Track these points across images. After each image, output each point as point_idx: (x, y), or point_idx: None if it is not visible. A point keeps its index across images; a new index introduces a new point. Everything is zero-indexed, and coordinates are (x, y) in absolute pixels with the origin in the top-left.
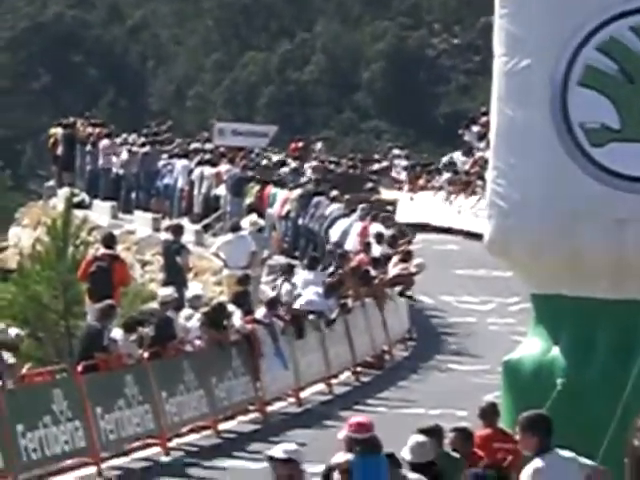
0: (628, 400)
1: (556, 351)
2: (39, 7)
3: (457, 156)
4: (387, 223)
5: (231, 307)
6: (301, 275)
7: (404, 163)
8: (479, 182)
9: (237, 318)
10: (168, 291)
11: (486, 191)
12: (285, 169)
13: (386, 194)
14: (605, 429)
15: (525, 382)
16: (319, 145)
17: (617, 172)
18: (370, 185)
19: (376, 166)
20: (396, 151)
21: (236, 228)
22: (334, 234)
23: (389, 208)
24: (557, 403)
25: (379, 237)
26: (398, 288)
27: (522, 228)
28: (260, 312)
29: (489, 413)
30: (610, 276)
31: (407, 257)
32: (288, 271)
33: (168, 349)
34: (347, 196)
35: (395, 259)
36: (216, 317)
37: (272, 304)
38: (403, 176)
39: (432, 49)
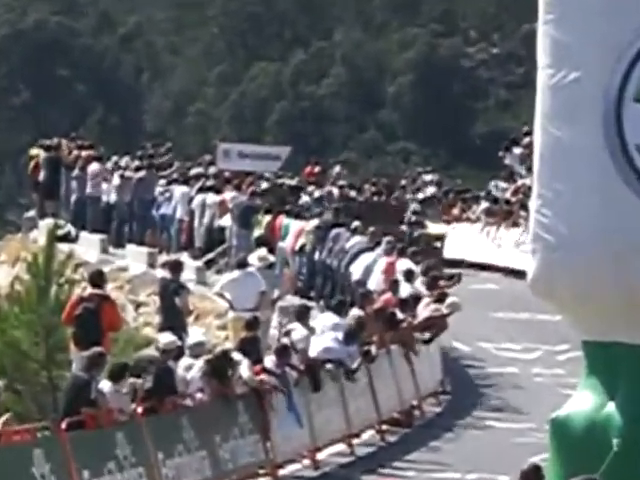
0: None
1: (612, 407)
2: (19, 13)
3: (497, 183)
4: (416, 259)
5: (237, 355)
6: (321, 319)
7: (433, 190)
8: (522, 212)
9: (244, 368)
10: (170, 338)
11: (529, 222)
12: (306, 198)
13: (433, 227)
14: None
15: (576, 442)
16: (337, 169)
17: None
18: (413, 218)
19: (421, 195)
20: (427, 177)
21: (243, 264)
22: (356, 271)
23: (436, 244)
24: (613, 467)
25: (409, 275)
26: (428, 334)
27: (570, 265)
28: (270, 361)
29: (532, 477)
30: None
31: (441, 297)
32: (303, 314)
33: (165, 403)
34: (371, 228)
35: (426, 300)
36: (220, 366)
37: (283, 352)
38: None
39: (468, 59)
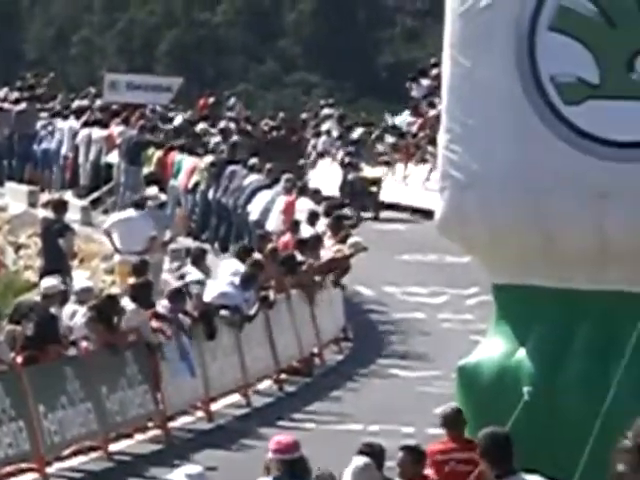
0: (610, 411)
1: (523, 353)
2: None
3: (402, 117)
4: (317, 198)
5: (126, 301)
6: (225, 267)
7: (331, 124)
8: (430, 148)
9: (133, 314)
10: (53, 281)
11: (438, 159)
12: (217, 138)
13: (368, 170)
14: (582, 447)
15: (485, 391)
16: (233, 101)
17: (596, 136)
18: (347, 160)
19: (356, 134)
20: (326, 110)
21: (140, 204)
22: (253, 211)
23: (372, 189)
24: (523, 416)
25: (313, 217)
26: (331, 276)
27: (482, 204)
28: (161, 305)
29: (454, 420)
30: (589, 262)
31: (343, 238)
32: (199, 257)
33: (48, 352)
34: (269, 165)
35: (330, 243)
36: (106, 312)
37: (177, 296)
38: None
39: None
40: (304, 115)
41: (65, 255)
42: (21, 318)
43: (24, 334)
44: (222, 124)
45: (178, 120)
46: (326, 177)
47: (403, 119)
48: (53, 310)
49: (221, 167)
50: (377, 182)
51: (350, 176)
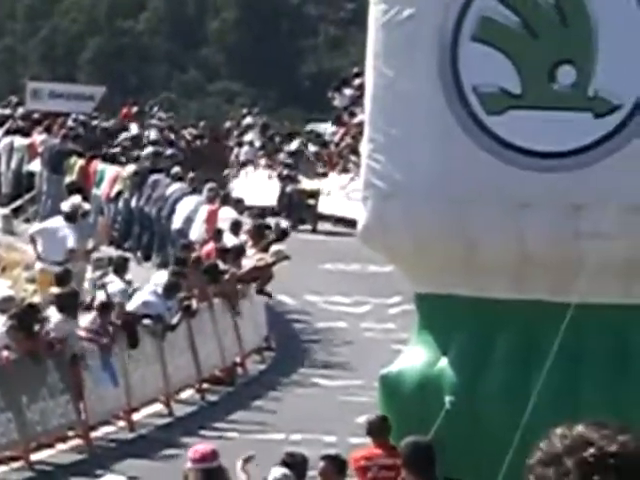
0: (530, 420)
1: (444, 362)
2: None
3: (325, 126)
4: (240, 207)
5: (52, 311)
6: (157, 278)
7: (253, 135)
8: (352, 157)
9: (61, 324)
10: None
11: (361, 168)
12: (125, 134)
13: (306, 183)
14: (504, 457)
15: (407, 400)
16: (155, 109)
17: (517, 146)
18: (285, 172)
19: (293, 145)
20: (247, 120)
21: (64, 216)
22: (176, 220)
23: (310, 202)
24: (446, 426)
25: (235, 226)
26: (254, 285)
27: (405, 214)
28: (87, 318)
29: (378, 428)
30: (510, 272)
31: (265, 247)
32: (121, 266)
33: None
34: (191, 174)
35: (252, 252)
36: (27, 321)
37: (106, 309)
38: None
39: None
40: (227, 124)
41: None
42: None
43: None
44: (150, 133)
45: (153, 134)
46: (249, 186)
47: (324, 128)
48: None
49: (144, 176)
50: (315, 194)
51: (288, 188)
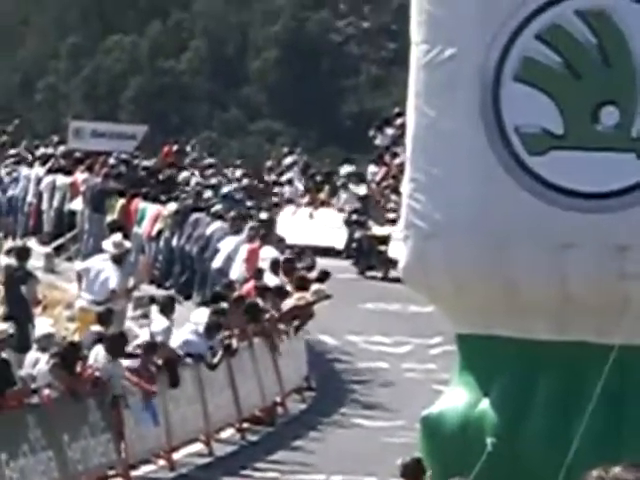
0: (572, 463)
1: (486, 404)
2: None
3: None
4: (281, 246)
5: (99, 350)
6: (197, 315)
7: (293, 174)
8: (394, 197)
9: (108, 366)
10: (2, 326)
11: (402, 208)
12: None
13: (376, 229)
14: None
15: (448, 442)
16: (195, 149)
17: (560, 186)
18: (354, 217)
19: (362, 190)
20: (287, 159)
21: (112, 258)
22: (217, 259)
23: (381, 248)
24: (487, 468)
25: (275, 265)
26: (295, 324)
27: (445, 254)
28: (133, 359)
29: (412, 471)
30: (552, 313)
31: (304, 284)
32: (168, 306)
33: (7, 399)
34: (232, 213)
35: (296, 295)
36: (69, 359)
37: (150, 349)
38: (299, 188)
39: (337, 34)
40: (268, 163)
41: (28, 302)
42: None
43: None
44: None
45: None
46: (291, 225)
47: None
48: (4, 355)
49: (185, 214)
50: (386, 240)
51: (357, 234)
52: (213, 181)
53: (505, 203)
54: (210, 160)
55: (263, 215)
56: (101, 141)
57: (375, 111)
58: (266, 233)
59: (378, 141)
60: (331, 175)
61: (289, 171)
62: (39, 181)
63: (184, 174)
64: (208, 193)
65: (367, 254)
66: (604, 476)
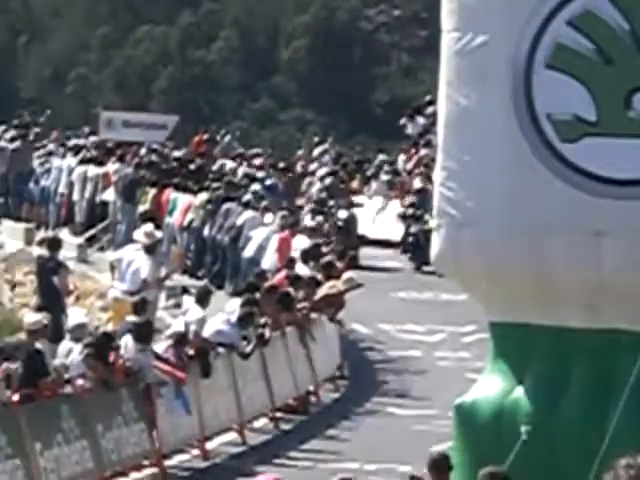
0: (608, 451)
1: (520, 392)
2: None
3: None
4: (314, 236)
5: (128, 339)
6: (231, 305)
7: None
8: (429, 185)
9: (137, 354)
10: (36, 317)
11: (434, 196)
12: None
13: (433, 222)
14: None
15: (482, 430)
16: (227, 138)
17: (593, 173)
18: (410, 211)
19: (417, 182)
20: (317, 149)
21: (144, 248)
22: (248, 248)
23: None
24: (522, 456)
25: (305, 254)
26: (326, 313)
27: (478, 242)
28: (160, 347)
29: (441, 466)
30: (585, 301)
31: (331, 271)
32: (204, 296)
33: (42, 390)
34: (264, 202)
35: (329, 283)
36: (102, 349)
37: (182, 340)
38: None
39: (367, 22)
40: (300, 152)
41: (60, 292)
42: (9, 357)
43: (18, 372)
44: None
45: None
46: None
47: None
48: (38, 345)
49: (217, 204)
50: None
51: (413, 228)
52: (260, 174)
53: (537, 191)
54: (257, 150)
55: (342, 213)
56: (133, 131)
57: (406, 99)
58: (347, 232)
59: (409, 130)
60: (362, 164)
61: (320, 160)
62: (71, 172)
63: (230, 164)
64: (256, 186)
65: (424, 249)
66: (632, 463)
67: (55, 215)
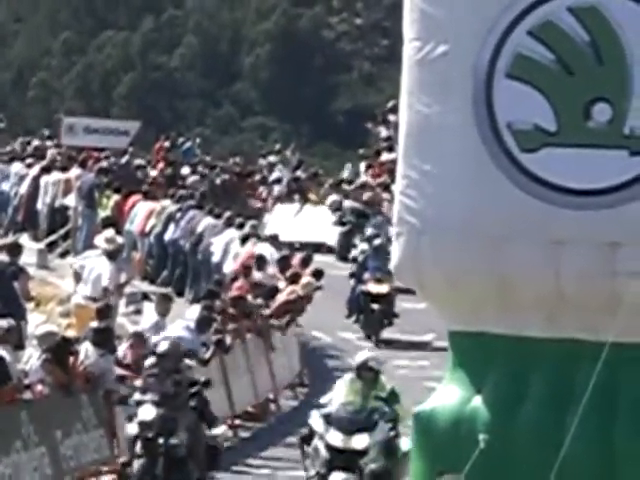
0: (564, 461)
1: (478, 401)
2: None
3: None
4: (275, 244)
5: (88, 346)
6: (191, 312)
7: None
8: (385, 195)
9: (97, 360)
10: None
11: (394, 205)
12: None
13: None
14: None
15: (440, 439)
16: (188, 145)
17: (553, 183)
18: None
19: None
20: (270, 158)
21: (106, 253)
22: (216, 252)
23: None
24: (479, 465)
25: (260, 261)
26: (285, 319)
27: (438, 250)
28: (123, 351)
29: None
30: (544, 310)
31: (295, 279)
32: (163, 302)
33: (1, 396)
34: (228, 213)
35: (283, 285)
36: (61, 355)
37: (139, 342)
38: (276, 189)
39: (330, 30)
40: (262, 161)
41: (20, 299)
42: None
43: None
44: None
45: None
46: (283, 222)
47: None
48: (2, 351)
49: (184, 212)
50: None
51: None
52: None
53: (497, 200)
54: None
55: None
56: (94, 137)
57: (368, 107)
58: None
59: (383, 133)
60: (316, 177)
61: (276, 168)
62: (31, 177)
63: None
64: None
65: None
66: None
67: (12, 220)
